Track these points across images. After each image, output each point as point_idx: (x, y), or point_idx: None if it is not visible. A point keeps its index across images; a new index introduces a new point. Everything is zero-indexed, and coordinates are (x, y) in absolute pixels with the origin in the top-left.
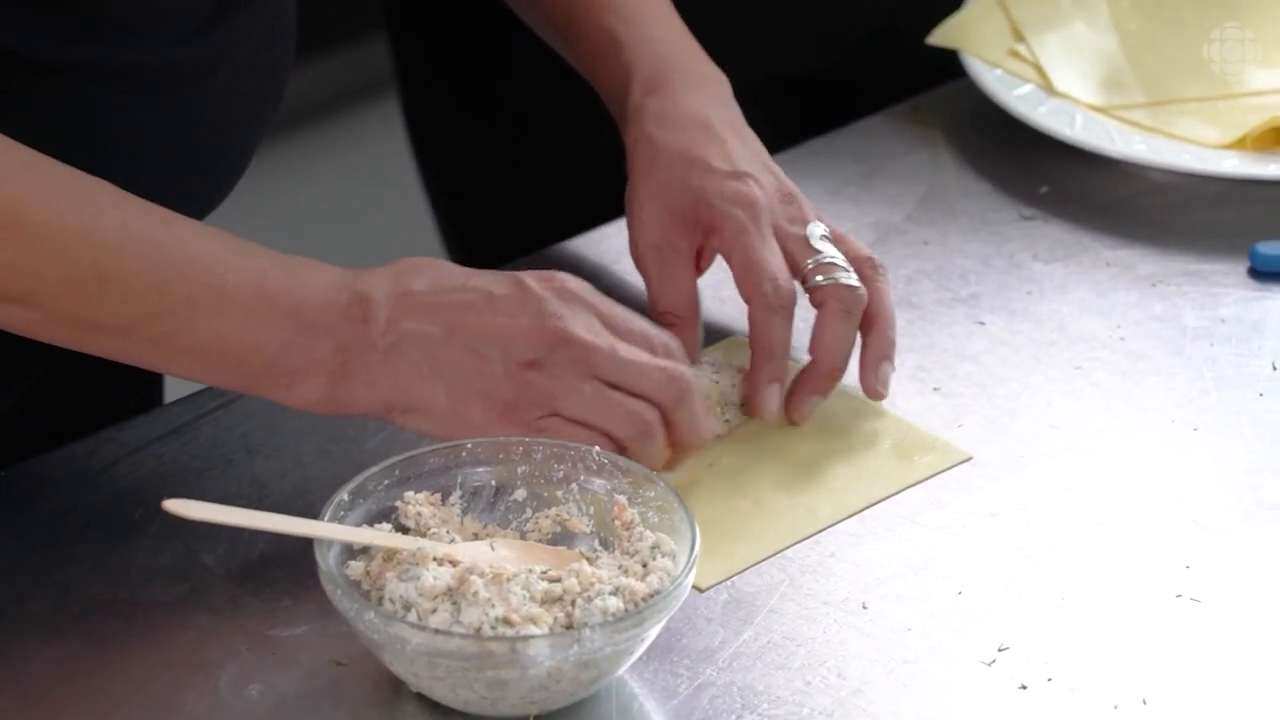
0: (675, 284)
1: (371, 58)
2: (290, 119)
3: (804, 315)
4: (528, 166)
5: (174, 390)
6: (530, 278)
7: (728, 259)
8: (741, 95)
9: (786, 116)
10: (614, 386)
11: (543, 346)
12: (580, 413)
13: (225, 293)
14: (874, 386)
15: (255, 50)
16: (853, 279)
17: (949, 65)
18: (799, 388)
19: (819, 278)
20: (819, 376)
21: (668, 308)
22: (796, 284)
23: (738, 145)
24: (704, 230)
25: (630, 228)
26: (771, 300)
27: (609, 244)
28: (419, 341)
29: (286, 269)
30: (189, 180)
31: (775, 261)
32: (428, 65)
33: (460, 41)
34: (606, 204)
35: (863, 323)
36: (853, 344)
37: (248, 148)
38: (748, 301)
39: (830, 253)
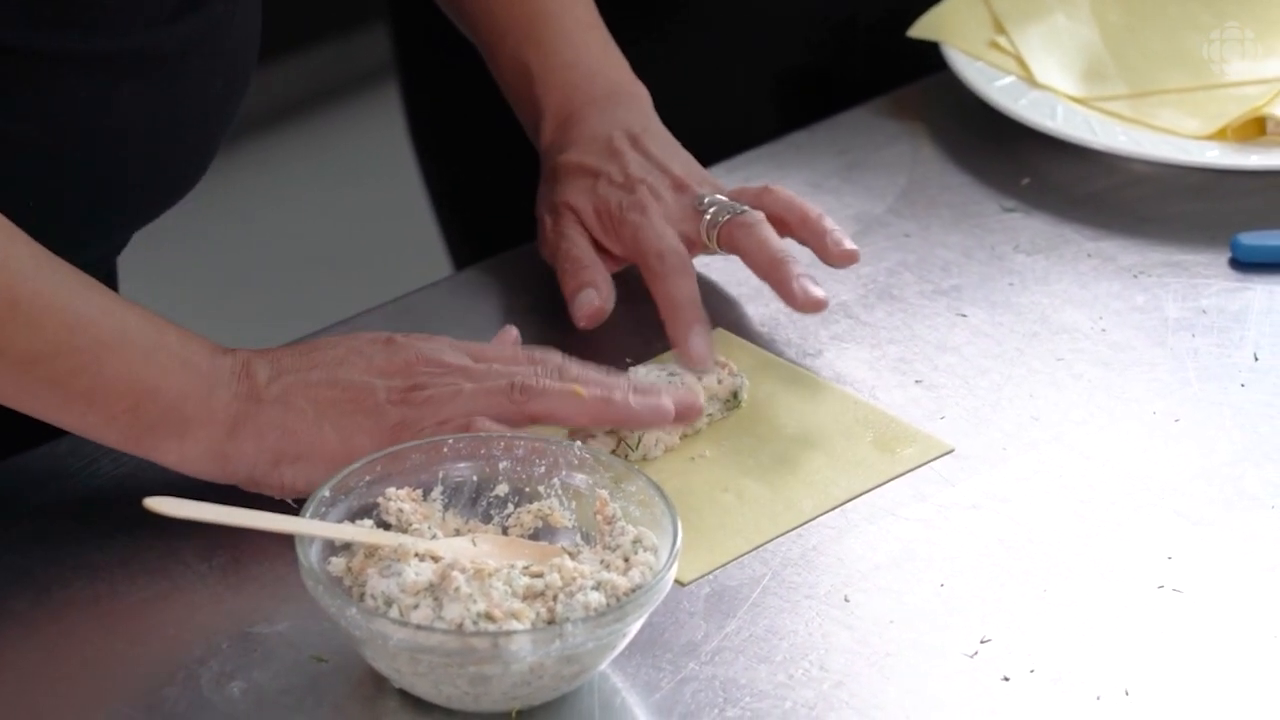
0: (570, 244)
1: (371, 46)
2: (290, 108)
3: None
4: (526, 156)
5: None
6: (396, 335)
7: (629, 256)
8: (738, 85)
9: (783, 106)
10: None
11: (419, 373)
12: (465, 409)
13: (128, 336)
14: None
15: (225, 37)
16: (741, 207)
17: (934, 57)
18: (792, 264)
19: (720, 218)
20: (777, 270)
21: (576, 254)
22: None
23: (634, 155)
24: (604, 232)
25: (540, 238)
26: (662, 266)
27: None
28: (301, 389)
29: (176, 326)
30: (157, 166)
31: (667, 234)
32: (428, 53)
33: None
34: None
35: (786, 228)
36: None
37: (217, 136)
38: (647, 280)
39: (720, 199)
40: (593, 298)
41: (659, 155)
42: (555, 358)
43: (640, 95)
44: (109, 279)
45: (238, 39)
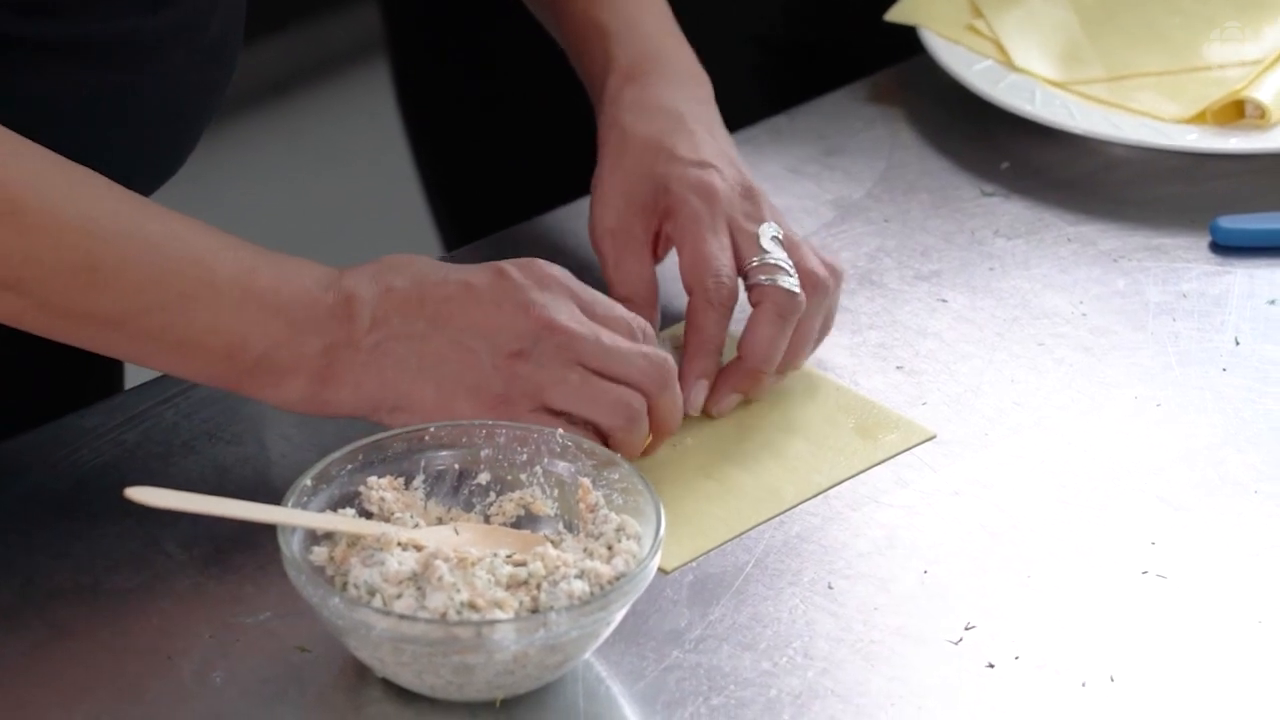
0: (632, 269)
1: (362, 24)
2: (279, 87)
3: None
4: (519, 136)
5: (134, 377)
6: (510, 266)
7: (678, 245)
8: (732, 63)
9: (776, 84)
10: (598, 373)
11: (528, 336)
12: (568, 403)
13: (217, 287)
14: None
15: (206, 28)
16: (793, 284)
17: (912, 42)
18: (721, 382)
19: (761, 277)
20: (742, 374)
21: (625, 293)
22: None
23: (706, 138)
24: (661, 216)
25: (591, 211)
26: (712, 295)
27: (578, 221)
28: (403, 339)
29: (274, 265)
30: (135, 155)
31: (723, 257)
32: (419, 32)
33: (453, 10)
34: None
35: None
36: (783, 348)
37: (197, 126)
38: (689, 292)
39: (777, 255)
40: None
41: (727, 145)
42: (669, 361)
43: (707, 81)
44: None
45: (220, 29)
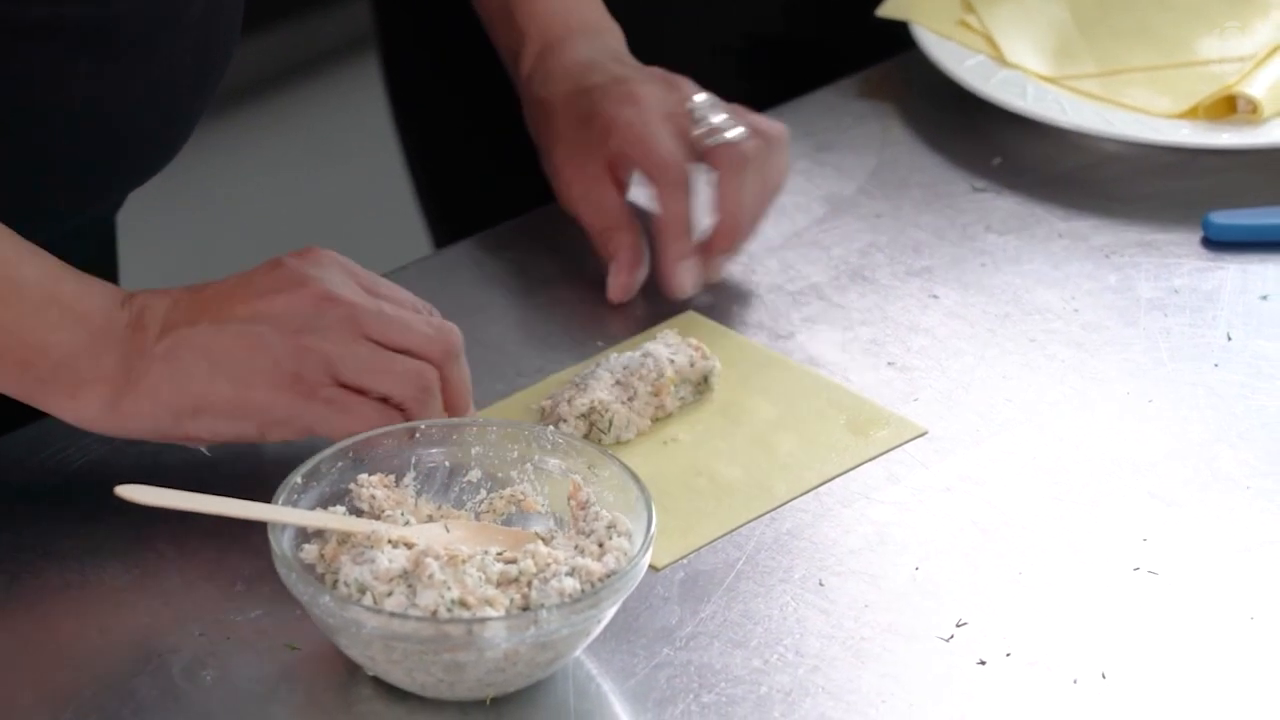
0: (601, 202)
1: (352, 19)
2: (268, 82)
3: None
4: (510, 131)
5: None
6: (286, 256)
7: (628, 153)
8: (722, 60)
9: (767, 81)
10: (384, 346)
11: (310, 311)
12: (358, 375)
13: (21, 290)
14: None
15: (188, 14)
16: (739, 133)
17: (903, 37)
18: (706, 249)
19: (708, 141)
20: (719, 234)
21: (603, 225)
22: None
23: (617, 67)
24: (603, 142)
25: (555, 188)
26: (662, 176)
27: (562, 218)
28: (191, 342)
29: (78, 278)
30: (121, 143)
31: (666, 141)
32: (409, 26)
33: (443, 5)
34: None
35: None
36: (754, 193)
37: (191, 112)
38: (651, 185)
39: (715, 117)
40: (618, 279)
41: (642, 65)
42: (454, 331)
43: (616, 31)
44: (107, 239)
45: (205, 16)
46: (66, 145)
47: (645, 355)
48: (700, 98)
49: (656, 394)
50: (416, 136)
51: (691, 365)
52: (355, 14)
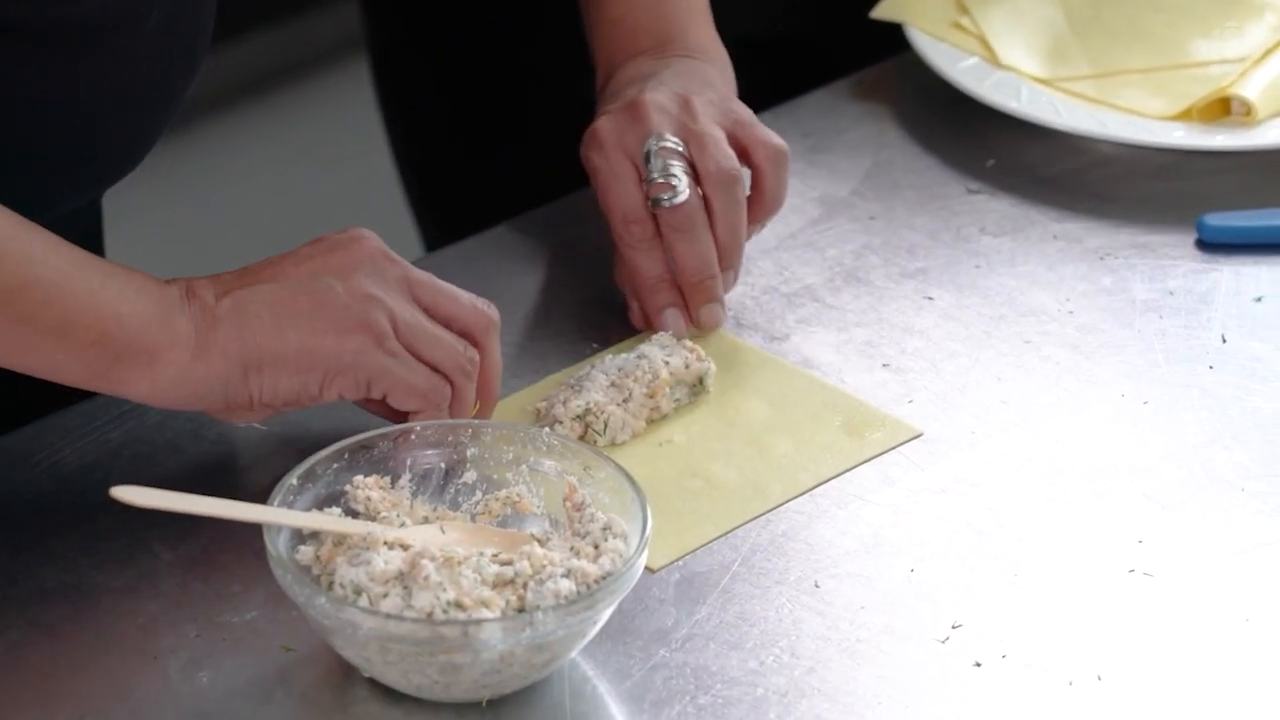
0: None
1: (342, 20)
2: (258, 84)
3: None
4: (500, 135)
5: None
6: (326, 236)
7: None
8: None
9: (761, 82)
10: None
11: (368, 264)
12: (414, 337)
13: (82, 269)
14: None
15: (147, 17)
16: (677, 197)
17: (897, 39)
18: (688, 302)
19: (650, 202)
20: (689, 289)
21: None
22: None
23: (610, 99)
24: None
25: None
26: (626, 235)
27: (577, 210)
28: (253, 298)
29: (117, 263)
30: (83, 149)
31: (621, 200)
32: (398, 28)
33: (433, 7)
34: (575, 173)
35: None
36: (706, 252)
37: (161, 114)
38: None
39: (657, 172)
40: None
41: (629, 89)
42: (492, 311)
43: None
44: (92, 233)
45: (165, 20)
46: (35, 142)
47: (640, 357)
48: (651, 141)
49: (651, 396)
50: (406, 138)
51: (686, 367)
52: (345, 15)
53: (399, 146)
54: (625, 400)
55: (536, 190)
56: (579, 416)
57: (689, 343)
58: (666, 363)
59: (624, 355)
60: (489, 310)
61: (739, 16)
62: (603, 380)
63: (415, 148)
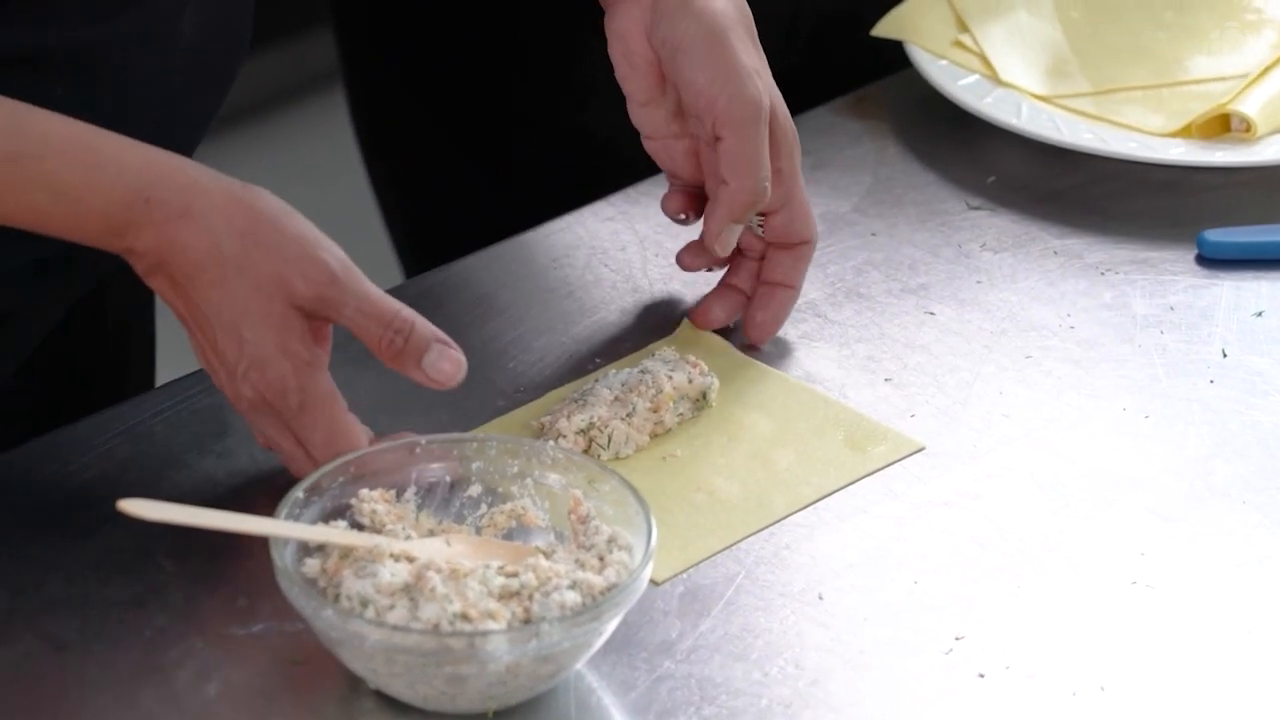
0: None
1: (318, 50)
2: (235, 112)
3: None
4: (478, 159)
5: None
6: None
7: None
8: None
9: None
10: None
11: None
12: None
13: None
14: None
15: (176, 31)
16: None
17: (898, 56)
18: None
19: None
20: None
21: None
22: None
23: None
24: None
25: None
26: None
27: (556, 240)
28: (170, 289)
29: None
30: None
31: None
32: (373, 56)
33: (409, 32)
34: (556, 198)
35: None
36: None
37: (190, 136)
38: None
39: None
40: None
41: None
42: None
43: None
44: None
45: (197, 29)
46: None
47: (644, 372)
48: None
49: (655, 410)
50: (383, 165)
51: (690, 382)
52: (320, 42)
53: (376, 173)
54: (629, 415)
55: (513, 219)
56: (582, 431)
57: (692, 358)
58: (670, 377)
59: (627, 370)
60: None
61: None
62: (606, 395)
63: (392, 175)
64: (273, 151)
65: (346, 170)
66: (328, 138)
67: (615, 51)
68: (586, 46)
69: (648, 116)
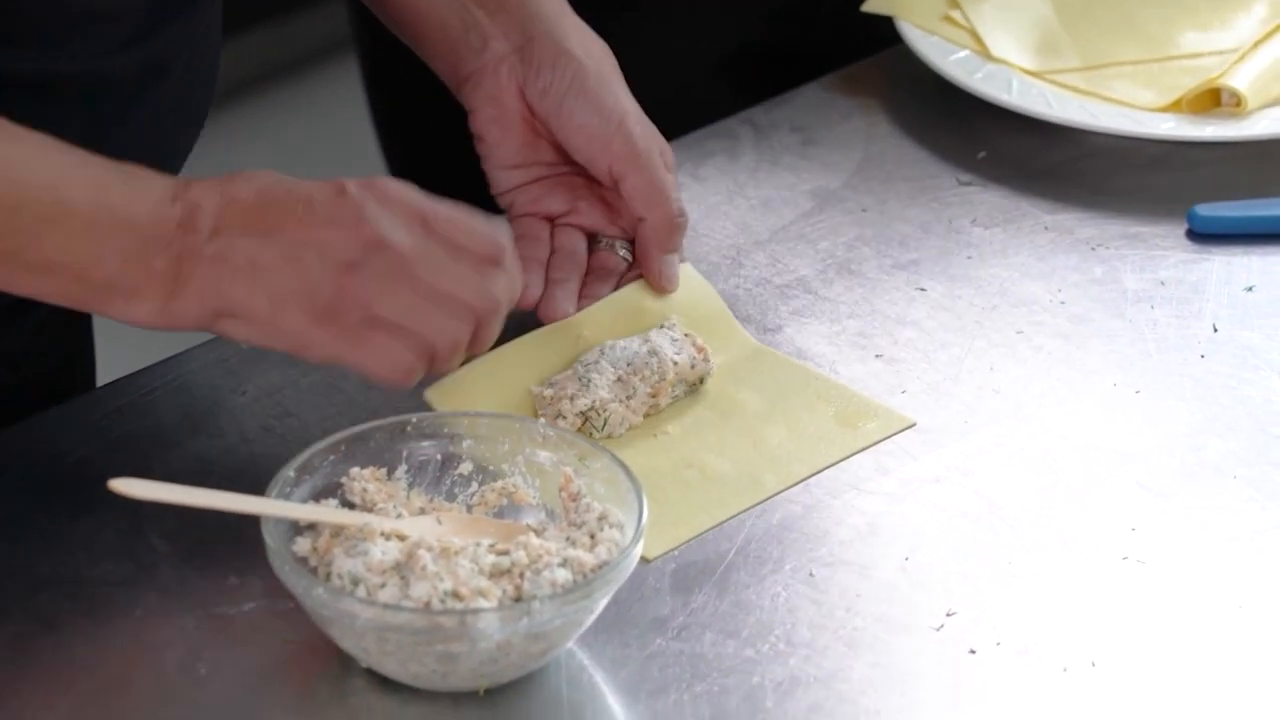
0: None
1: (331, 22)
2: (249, 87)
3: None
4: None
5: (107, 370)
6: (352, 184)
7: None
8: (692, 62)
9: (737, 83)
10: (431, 289)
11: (358, 250)
12: (397, 316)
13: (69, 207)
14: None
15: (184, 66)
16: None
17: (889, 32)
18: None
19: None
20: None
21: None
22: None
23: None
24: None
25: None
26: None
27: None
28: (240, 248)
29: (125, 180)
30: None
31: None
32: (389, 30)
33: None
34: None
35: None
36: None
37: (172, 163)
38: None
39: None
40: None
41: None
42: (498, 293)
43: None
44: None
45: (189, 66)
46: None
47: (650, 353)
48: None
49: (654, 395)
50: (397, 139)
51: (692, 367)
52: (334, 16)
53: (389, 146)
54: (629, 397)
55: None
56: (582, 413)
57: (699, 341)
58: (675, 362)
59: (634, 346)
60: (489, 296)
61: (731, 12)
62: (610, 374)
63: (406, 148)
64: (285, 126)
65: (360, 144)
66: (342, 111)
67: (482, 119)
68: (589, 20)
69: (511, 178)
